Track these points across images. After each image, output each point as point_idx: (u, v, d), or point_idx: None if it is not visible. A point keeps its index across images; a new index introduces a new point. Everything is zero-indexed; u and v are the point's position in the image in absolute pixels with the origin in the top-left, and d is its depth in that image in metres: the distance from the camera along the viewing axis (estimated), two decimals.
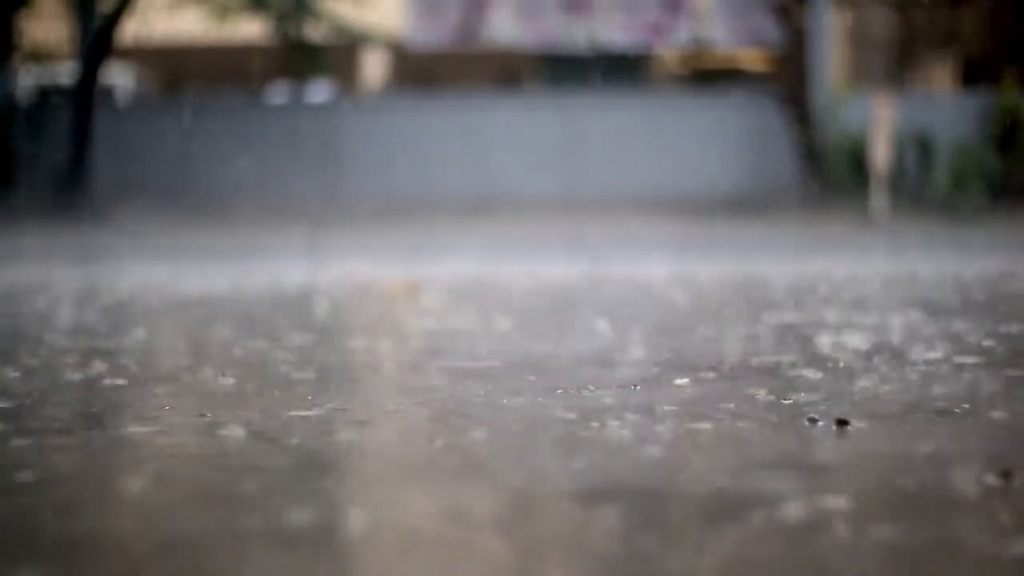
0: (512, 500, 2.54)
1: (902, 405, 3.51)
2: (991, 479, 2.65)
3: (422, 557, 2.18)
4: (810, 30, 18.40)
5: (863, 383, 3.89)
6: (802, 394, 3.69)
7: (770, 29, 19.03)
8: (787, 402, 3.56)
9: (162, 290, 7.54)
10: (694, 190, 18.44)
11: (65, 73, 21.10)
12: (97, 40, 18.24)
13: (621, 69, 20.80)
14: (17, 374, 4.26)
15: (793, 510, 2.43)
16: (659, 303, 6.58)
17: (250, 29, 21.95)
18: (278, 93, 23.05)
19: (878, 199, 16.19)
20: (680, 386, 3.85)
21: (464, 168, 19.03)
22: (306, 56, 20.95)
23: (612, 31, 19.91)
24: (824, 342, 4.85)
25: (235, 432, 3.20)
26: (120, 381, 4.07)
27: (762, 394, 3.70)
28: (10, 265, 9.77)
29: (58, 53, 22.48)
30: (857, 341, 4.87)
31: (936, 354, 4.48)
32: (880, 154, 16.34)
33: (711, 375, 4.07)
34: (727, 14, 19.74)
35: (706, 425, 3.26)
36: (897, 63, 23.81)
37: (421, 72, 25.23)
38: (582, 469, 2.79)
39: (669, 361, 4.40)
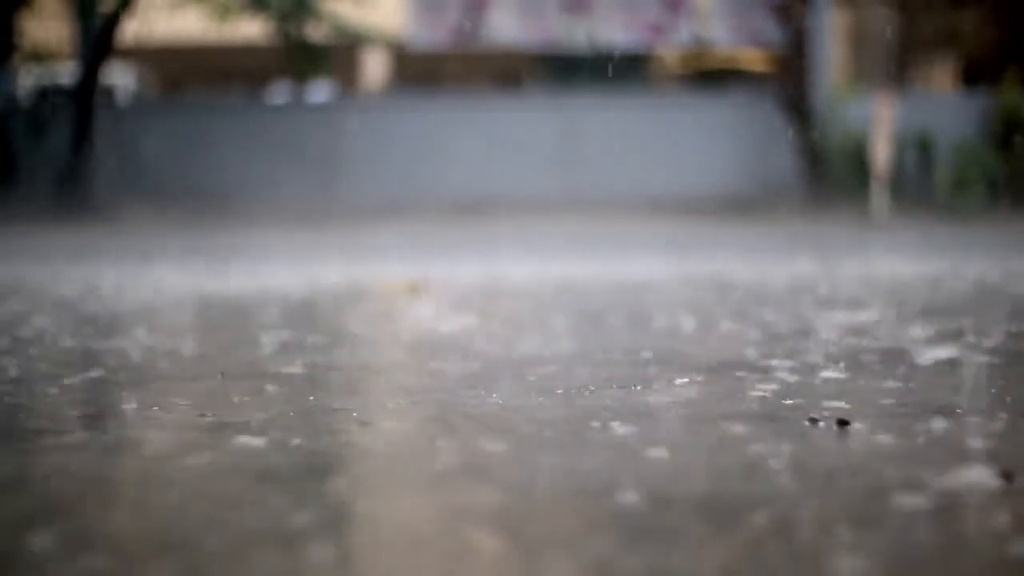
0: (513, 500, 2.54)
1: (902, 405, 3.51)
2: (991, 479, 2.65)
3: (422, 557, 2.18)
4: (810, 30, 18.41)
5: (863, 383, 3.89)
6: (802, 394, 3.69)
7: (770, 29, 19.03)
8: (787, 402, 3.56)
9: (162, 290, 7.54)
10: (694, 190, 18.44)
11: (65, 73, 21.11)
12: (98, 40, 18.24)
13: (621, 69, 20.79)
14: (17, 373, 4.26)
15: (794, 510, 2.43)
16: (659, 303, 6.58)
17: (250, 29, 21.95)
18: (279, 93, 23.05)
19: (878, 199, 16.19)
20: (680, 386, 3.85)
21: (464, 168, 19.03)
22: (307, 56, 20.95)
23: (612, 31, 19.90)
24: (825, 342, 4.85)
25: (235, 432, 3.20)
26: (120, 381, 4.07)
27: (762, 394, 3.69)
28: (10, 264, 9.77)
29: (58, 53, 22.48)
30: (857, 341, 4.87)
31: (936, 354, 4.48)
32: (880, 154, 16.34)
33: (711, 375, 4.07)
34: (727, 14, 19.74)
35: (706, 425, 3.26)
36: (898, 63, 23.80)
37: (421, 72, 25.23)
38: (582, 469, 2.79)
39: (669, 361, 4.40)
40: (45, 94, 19.95)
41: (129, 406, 3.62)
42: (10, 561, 2.17)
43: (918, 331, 5.15)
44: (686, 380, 3.95)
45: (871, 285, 7.44)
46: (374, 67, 26.47)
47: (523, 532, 2.32)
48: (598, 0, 19.84)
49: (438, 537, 2.30)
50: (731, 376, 4.04)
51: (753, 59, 22.03)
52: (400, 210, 17.45)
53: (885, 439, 3.07)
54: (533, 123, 19.22)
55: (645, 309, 6.26)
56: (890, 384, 3.87)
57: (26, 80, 20.65)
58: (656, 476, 2.72)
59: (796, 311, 6.00)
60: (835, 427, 3.21)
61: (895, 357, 4.42)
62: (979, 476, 2.68)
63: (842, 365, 4.25)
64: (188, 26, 22.08)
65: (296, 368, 4.34)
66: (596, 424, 3.27)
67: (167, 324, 5.96)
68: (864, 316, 5.74)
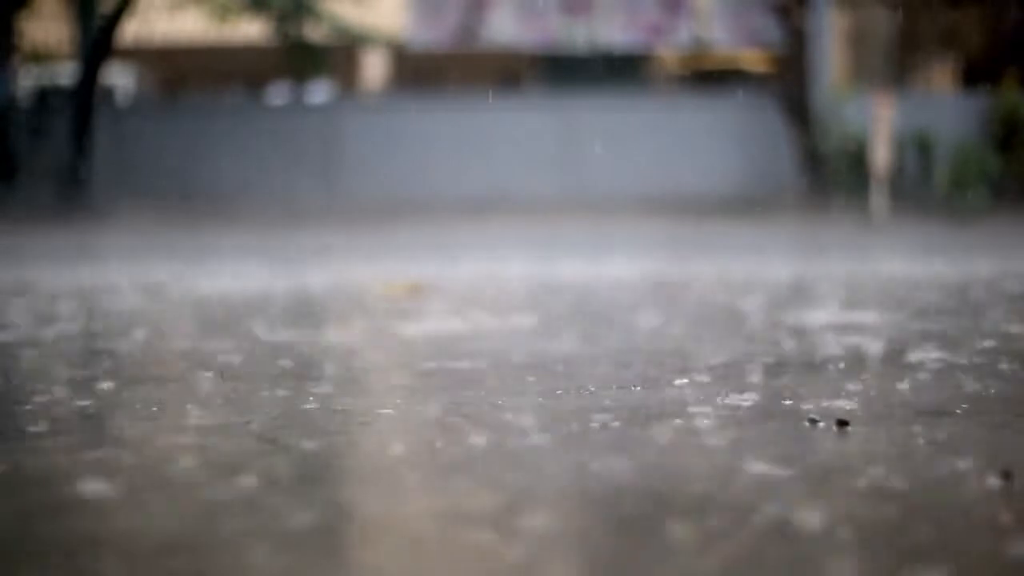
0: (512, 500, 2.54)
1: (902, 405, 3.51)
2: (991, 479, 2.65)
3: (422, 557, 2.18)
4: (810, 30, 18.41)
5: (863, 383, 3.89)
6: (802, 394, 3.69)
7: (770, 29, 19.04)
8: (787, 402, 3.56)
9: (162, 290, 7.54)
10: (694, 190, 18.44)
11: (65, 73, 21.11)
12: (97, 40, 18.25)
13: (621, 69, 20.81)
14: (17, 373, 4.26)
15: (793, 511, 2.43)
16: (658, 303, 6.58)
17: (250, 30, 21.96)
18: (278, 94, 23.05)
19: (878, 199, 16.20)
20: (679, 386, 3.85)
21: (464, 168, 19.04)
22: (306, 57, 20.95)
23: (612, 31, 19.91)
24: (824, 342, 4.85)
25: (235, 432, 3.20)
26: (119, 381, 4.07)
27: (762, 394, 3.70)
28: (10, 264, 9.77)
29: (58, 53, 22.49)
30: (857, 341, 4.87)
31: (936, 354, 4.48)
32: (880, 154, 16.34)
33: (710, 375, 4.07)
34: (727, 14, 19.75)
35: (706, 425, 3.26)
36: (897, 63, 23.81)
37: (421, 72, 25.23)
38: (583, 470, 2.79)
39: (668, 361, 4.40)
40: (45, 94, 19.96)
41: (129, 406, 3.62)
42: (11, 561, 2.17)
43: (917, 331, 5.15)
44: (686, 380, 3.96)
45: (870, 285, 7.44)
46: (374, 67, 26.48)
47: (523, 533, 2.32)
48: (598, 0, 19.84)
49: (438, 537, 2.30)
50: (731, 376, 4.04)
51: (753, 59, 22.03)
52: (400, 210, 17.46)
53: (884, 439, 3.07)
54: (533, 123, 19.22)
55: (644, 309, 6.26)
56: (889, 384, 3.87)
57: (26, 80, 20.66)
58: (656, 476, 2.72)
59: (795, 311, 6.01)
60: (834, 427, 3.21)
61: (894, 357, 4.42)
62: (978, 476, 2.68)
63: (841, 365, 4.25)
64: (188, 26, 22.09)
65: (296, 368, 4.34)
66: (596, 424, 3.27)
67: (166, 324, 5.96)
68: (863, 316, 5.75)
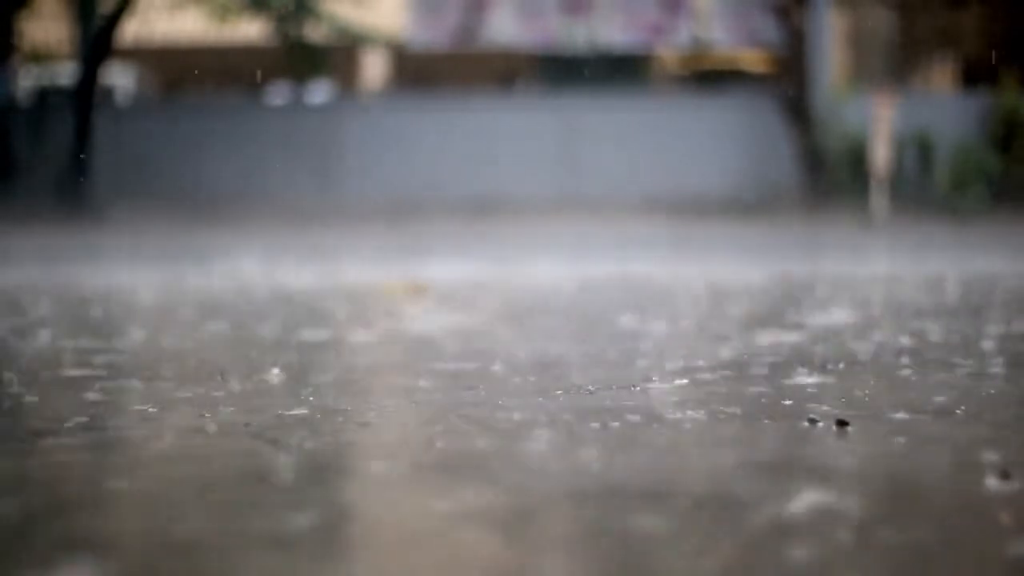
0: (512, 500, 2.54)
1: (902, 405, 3.51)
2: (991, 479, 2.65)
3: (422, 557, 2.18)
4: (810, 31, 18.41)
5: (863, 383, 3.89)
6: (802, 394, 3.69)
7: (770, 30, 19.03)
8: (787, 402, 3.56)
9: (161, 290, 7.54)
10: (694, 191, 18.44)
11: (65, 73, 21.10)
12: (97, 40, 18.25)
13: (621, 69, 20.81)
14: (17, 374, 4.26)
15: (793, 511, 2.43)
16: (659, 304, 6.58)
17: (250, 30, 21.95)
18: (278, 94, 23.05)
19: (878, 199, 16.19)
20: (679, 386, 3.85)
21: (464, 168, 19.03)
22: (306, 57, 20.95)
23: (612, 31, 19.91)
24: (824, 342, 4.85)
25: (234, 433, 3.20)
26: (119, 382, 4.07)
27: (762, 394, 3.70)
28: (10, 265, 9.77)
29: (58, 53, 22.48)
30: (856, 341, 4.87)
31: (936, 354, 4.48)
32: (880, 154, 16.34)
33: (710, 375, 4.07)
34: (727, 14, 19.75)
35: (706, 426, 3.26)
36: (897, 63, 23.80)
37: (421, 72, 25.23)
38: (582, 470, 2.79)
39: (669, 361, 4.40)
40: (45, 94, 19.96)
41: (128, 406, 3.62)
42: (11, 560, 2.17)
43: (917, 331, 5.15)
44: (686, 381, 3.96)
45: (870, 285, 7.44)
46: (374, 67, 26.47)
47: (523, 533, 2.32)
48: (598, 0, 19.84)
49: (438, 538, 2.30)
50: (731, 376, 4.04)
51: (753, 60, 22.03)
52: (400, 210, 17.45)
53: (884, 439, 3.07)
54: (533, 123, 19.22)
55: (645, 309, 6.26)
56: (888, 384, 3.87)
57: (26, 80, 20.66)
58: (656, 476, 2.72)
59: (795, 312, 6.01)
60: (834, 427, 3.21)
61: (894, 356, 4.42)
62: (977, 476, 2.68)
63: (841, 365, 4.25)
64: (188, 26, 22.08)
65: (296, 368, 4.34)
66: (596, 424, 3.27)
67: (166, 324, 5.96)
68: (864, 316, 5.75)
